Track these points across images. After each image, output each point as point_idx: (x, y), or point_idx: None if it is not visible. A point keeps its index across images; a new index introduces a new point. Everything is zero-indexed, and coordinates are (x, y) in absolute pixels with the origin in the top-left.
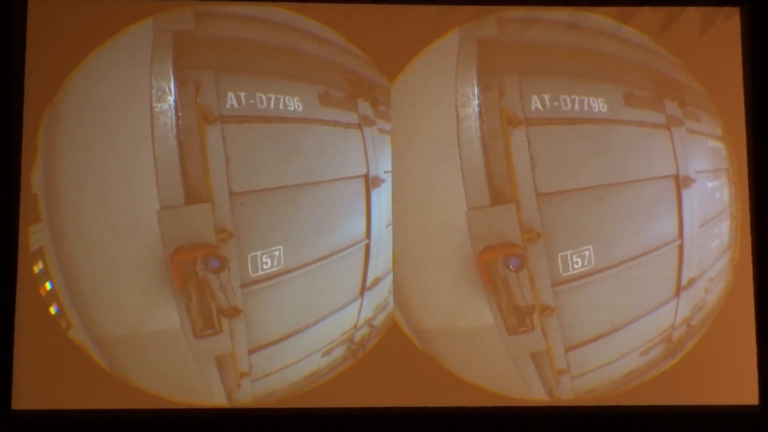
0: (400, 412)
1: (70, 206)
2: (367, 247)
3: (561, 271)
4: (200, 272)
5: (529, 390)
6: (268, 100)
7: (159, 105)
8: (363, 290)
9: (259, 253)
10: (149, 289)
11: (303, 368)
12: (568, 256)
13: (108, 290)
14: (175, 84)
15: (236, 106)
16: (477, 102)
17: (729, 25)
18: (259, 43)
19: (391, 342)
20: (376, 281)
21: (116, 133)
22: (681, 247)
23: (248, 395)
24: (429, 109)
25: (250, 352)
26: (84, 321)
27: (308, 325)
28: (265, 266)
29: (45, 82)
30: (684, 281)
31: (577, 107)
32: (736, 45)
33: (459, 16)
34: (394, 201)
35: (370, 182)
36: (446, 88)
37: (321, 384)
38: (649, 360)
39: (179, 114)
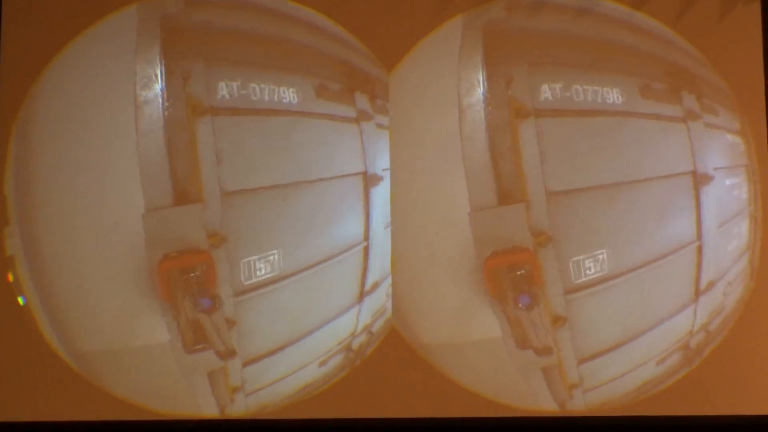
0: (399, 423)
1: (44, 209)
2: (366, 249)
3: (573, 277)
4: (190, 313)
5: (538, 406)
6: (262, 91)
7: (144, 94)
8: (362, 295)
9: (253, 258)
10: (133, 300)
11: (299, 380)
12: (581, 261)
13: (87, 303)
14: (162, 72)
15: (228, 97)
16: (482, 91)
17: (749, 11)
18: (251, 32)
19: (390, 348)
20: (375, 285)
21: (96, 127)
22: (699, 249)
23: (241, 411)
24: (429, 99)
25: (244, 365)
26: (61, 337)
27: (304, 334)
28: (259, 272)
29: (20, 77)
30: (702, 285)
31: (590, 98)
32: (756, 32)
33: (461, 3)
34: (393, 201)
35: (368, 180)
36: (448, 77)
37: (317, 394)
38: (665, 369)
39: (166, 105)
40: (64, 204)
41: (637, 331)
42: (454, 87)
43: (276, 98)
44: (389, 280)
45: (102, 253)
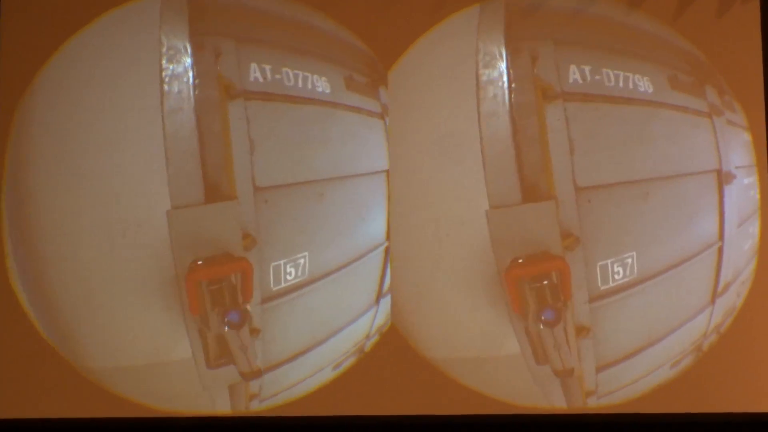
0: (398, 421)
1: (44, 209)
2: (386, 249)
3: (599, 283)
4: (214, 328)
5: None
6: (296, 77)
7: (171, 67)
8: (379, 297)
9: (282, 261)
10: (152, 312)
11: (313, 383)
12: (609, 265)
13: (98, 317)
14: (191, 46)
15: (261, 80)
16: (504, 65)
17: (747, 8)
18: (277, 14)
19: (389, 345)
20: None
21: (110, 109)
22: (720, 250)
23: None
24: (434, 93)
25: (264, 371)
26: (68, 352)
27: (325, 338)
28: (288, 277)
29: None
30: (720, 287)
31: (621, 84)
32: (755, 30)
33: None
34: (392, 200)
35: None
36: (464, 52)
37: (314, 391)
38: (678, 371)
39: (196, 82)
40: (69, 200)
41: (658, 336)
42: (470, 60)
43: (309, 86)
44: None
45: (115, 260)
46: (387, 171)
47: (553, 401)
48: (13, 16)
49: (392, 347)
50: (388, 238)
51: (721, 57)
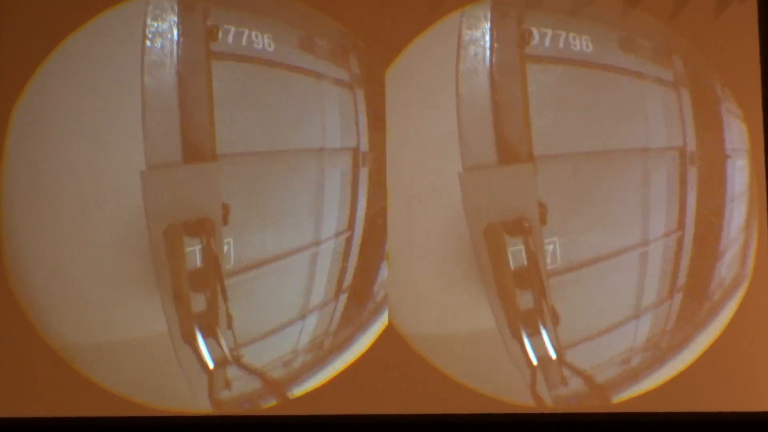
0: (395, 420)
1: (11, 174)
2: (349, 240)
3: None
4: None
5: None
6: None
7: (156, 24)
8: (338, 293)
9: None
10: (127, 283)
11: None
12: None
13: (70, 289)
14: (178, 6)
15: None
16: (488, 25)
17: (745, 7)
18: None
19: (386, 345)
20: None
21: (83, 61)
22: (680, 240)
23: (235, 396)
24: (429, 89)
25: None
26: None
27: (293, 320)
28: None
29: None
30: (680, 281)
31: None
32: (753, 28)
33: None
34: (390, 198)
35: (360, 159)
36: (450, 63)
37: (312, 390)
38: (668, 368)
39: (180, 39)
40: (38, 162)
41: (624, 317)
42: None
43: (274, 48)
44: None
45: (90, 225)
46: (354, 149)
47: (527, 375)
48: (11, 17)
49: (390, 347)
50: (350, 227)
51: (718, 55)
